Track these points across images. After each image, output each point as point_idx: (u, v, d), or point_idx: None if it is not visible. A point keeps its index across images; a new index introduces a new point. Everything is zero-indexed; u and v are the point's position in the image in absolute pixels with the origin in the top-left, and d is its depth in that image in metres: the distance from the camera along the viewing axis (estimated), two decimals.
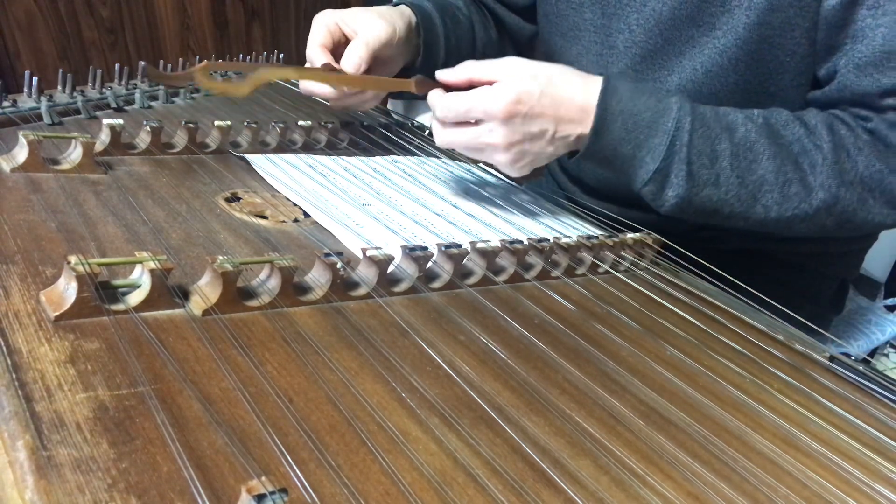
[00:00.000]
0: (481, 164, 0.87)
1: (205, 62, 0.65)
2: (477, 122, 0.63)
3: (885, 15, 0.63)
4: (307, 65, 0.75)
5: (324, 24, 0.75)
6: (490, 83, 0.62)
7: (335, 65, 0.72)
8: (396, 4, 0.82)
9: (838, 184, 0.63)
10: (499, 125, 0.61)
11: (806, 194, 0.64)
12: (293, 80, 0.85)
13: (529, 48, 0.97)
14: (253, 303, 0.40)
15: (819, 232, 0.67)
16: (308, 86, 0.75)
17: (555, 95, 0.62)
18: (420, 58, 0.83)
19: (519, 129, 0.62)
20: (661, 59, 0.73)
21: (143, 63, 0.71)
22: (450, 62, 0.86)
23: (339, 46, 0.74)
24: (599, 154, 0.64)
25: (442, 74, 0.65)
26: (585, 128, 0.63)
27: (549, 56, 0.85)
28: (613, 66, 0.77)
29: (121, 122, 0.59)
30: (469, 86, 0.63)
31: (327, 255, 0.43)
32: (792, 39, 0.67)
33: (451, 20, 0.86)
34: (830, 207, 0.64)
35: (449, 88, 0.65)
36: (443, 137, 0.66)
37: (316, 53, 0.73)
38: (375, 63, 0.75)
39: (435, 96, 0.65)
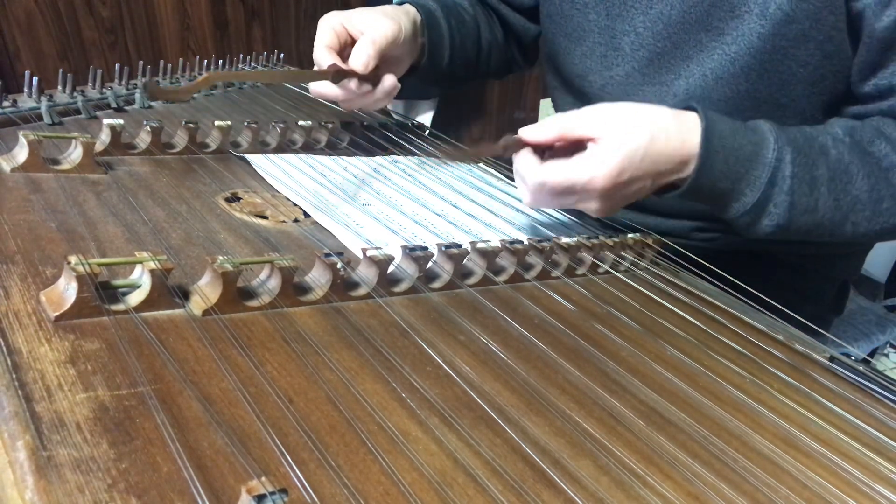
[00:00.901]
0: (481, 165, 0.87)
1: (207, 74, 0.64)
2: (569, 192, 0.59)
3: None
4: (315, 67, 0.75)
5: (329, 26, 0.74)
6: (582, 139, 0.58)
7: (343, 66, 0.71)
8: (401, 3, 0.82)
9: None
10: (597, 197, 0.59)
11: None
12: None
13: (534, 48, 0.97)
14: (253, 303, 0.40)
15: (892, 237, 0.67)
16: (317, 88, 0.74)
17: (656, 155, 0.58)
18: (425, 58, 0.82)
19: (617, 195, 0.59)
20: (668, 63, 0.73)
21: (144, 80, 0.70)
22: (455, 62, 0.86)
23: (345, 48, 0.74)
24: (698, 193, 0.62)
25: (528, 134, 0.60)
26: (683, 173, 0.60)
27: (553, 56, 0.85)
28: (619, 68, 0.76)
29: (121, 122, 0.59)
30: (557, 142, 0.60)
31: (327, 255, 0.43)
32: (806, 51, 0.67)
33: (456, 20, 0.86)
34: None
35: (535, 145, 0.60)
36: (533, 203, 0.63)
37: (322, 55, 0.72)
38: (384, 63, 0.74)
39: (527, 164, 0.60)
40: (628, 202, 0.62)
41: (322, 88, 0.73)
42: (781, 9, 0.65)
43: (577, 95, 0.84)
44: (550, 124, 0.60)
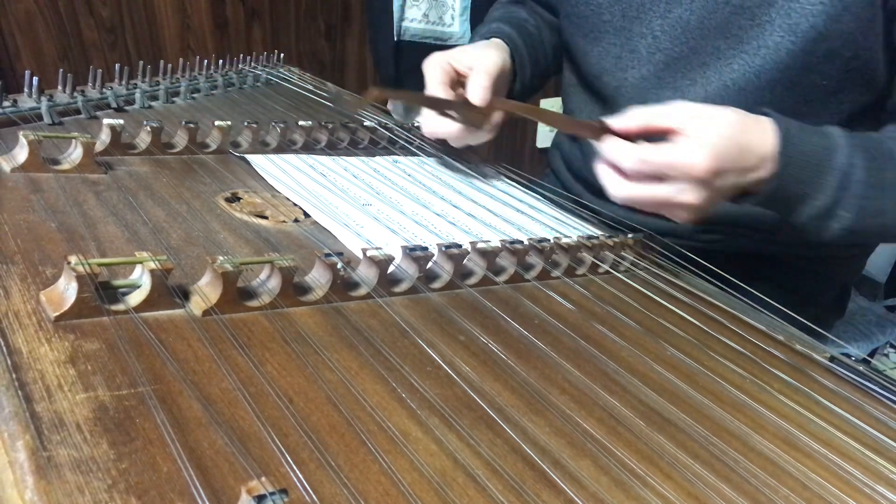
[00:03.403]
0: (482, 164, 0.87)
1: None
2: (666, 179, 0.58)
3: None
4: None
5: (437, 65, 0.75)
6: (666, 131, 0.59)
7: (467, 98, 0.71)
8: (484, 37, 0.85)
9: None
10: (696, 185, 0.58)
11: None
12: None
13: None
14: (253, 303, 0.40)
15: None
16: (430, 126, 0.75)
17: (741, 145, 0.59)
18: (517, 83, 0.86)
19: (713, 187, 0.59)
20: (684, 68, 0.73)
21: (337, 89, 0.69)
22: (534, 76, 0.88)
23: (454, 86, 0.75)
24: (774, 197, 0.62)
25: (614, 122, 0.61)
26: (761, 173, 0.60)
27: (572, 55, 0.86)
28: (634, 70, 0.77)
29: (121, 122, 0.59)
30: (642, 134, 0.60)
31: (327, 255, 0.43)
32: (832, 67, 0.67)
33: (529, 37, 0.89)
34: None
35: (619, 136, 0.60)
36: (625, 192, 0.60)
37: (437, 93, 0.73)
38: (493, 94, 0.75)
39: (619, 146, 0.60)
40: (716, 203, 0.61)
41: (435, 126, 0.74)
42: (815, 28, 0.65)
43: (594, 95, 0.85)
44: (635, 116, 0.60)
